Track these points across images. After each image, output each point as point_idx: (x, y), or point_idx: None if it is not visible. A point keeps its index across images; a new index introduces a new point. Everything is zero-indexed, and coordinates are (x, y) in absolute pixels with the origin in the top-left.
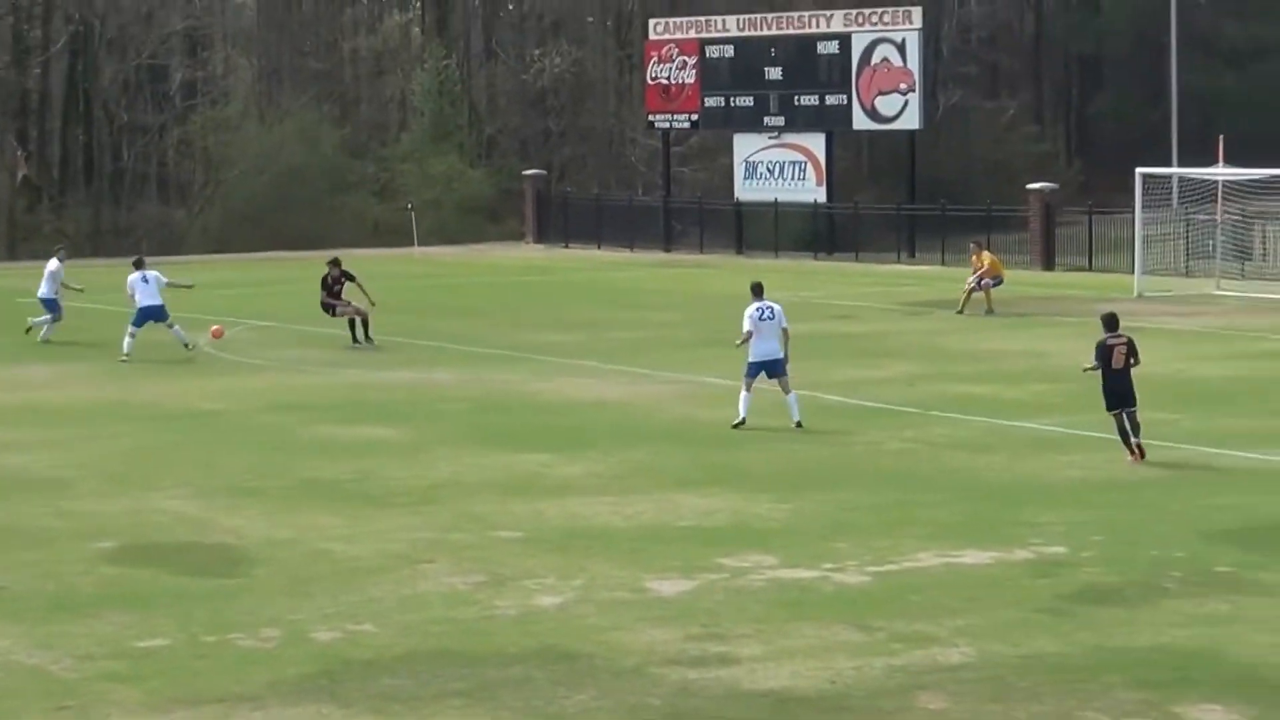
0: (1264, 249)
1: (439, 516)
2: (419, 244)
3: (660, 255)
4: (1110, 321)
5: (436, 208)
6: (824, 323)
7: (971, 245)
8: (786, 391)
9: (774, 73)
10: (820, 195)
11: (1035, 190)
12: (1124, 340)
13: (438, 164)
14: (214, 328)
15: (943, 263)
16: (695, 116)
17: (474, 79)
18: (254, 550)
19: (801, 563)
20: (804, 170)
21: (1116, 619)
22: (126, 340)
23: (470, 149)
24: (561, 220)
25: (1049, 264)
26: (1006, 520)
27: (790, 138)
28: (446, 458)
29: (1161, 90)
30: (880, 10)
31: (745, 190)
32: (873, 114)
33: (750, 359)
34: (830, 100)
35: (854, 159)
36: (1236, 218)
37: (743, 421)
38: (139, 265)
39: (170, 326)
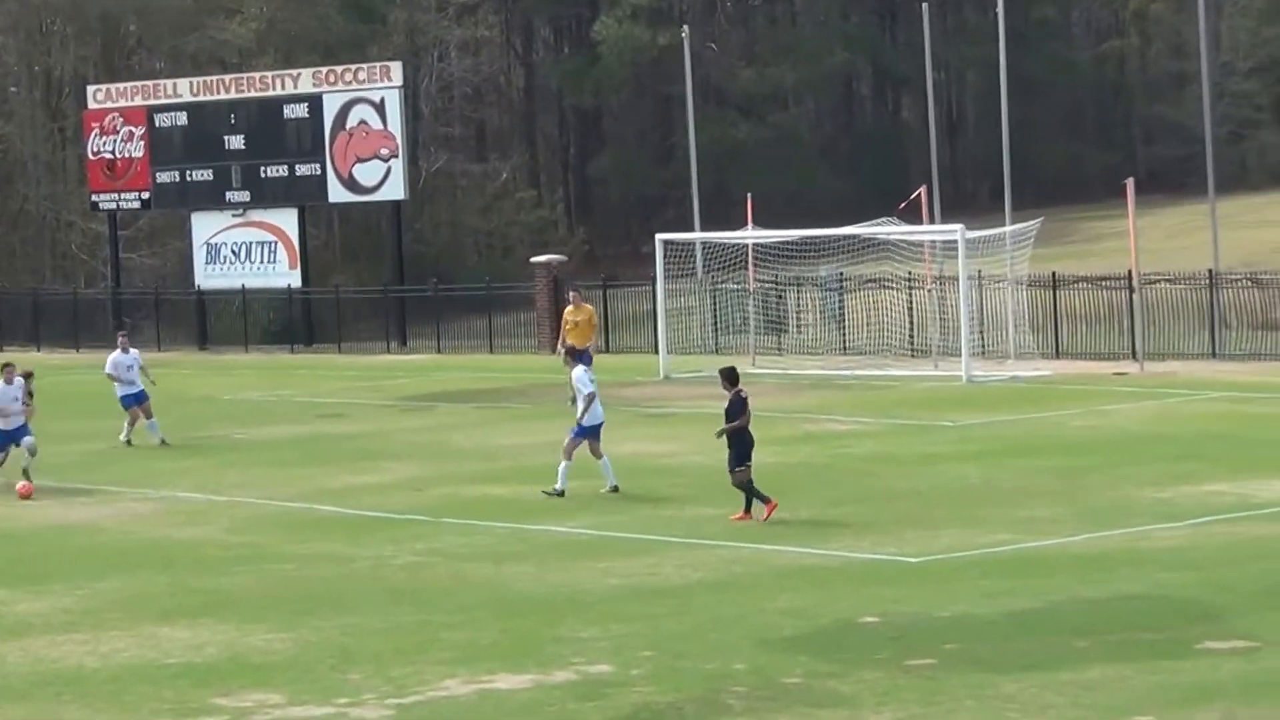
0: (799, 320)
1: None
2: None
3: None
4: (735, 375)
5: None
6: (311, 424)
7: (571, 294)
8: (599, 456)
9: (235, 141)
10: (295, 279)
11: (541, 263)
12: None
13: None
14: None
15: (439, 350)
16: (146, 194)
17: None
18: None
19: (311, 699)
20: (275, 251)
21: None
22: None
23: None
24: None
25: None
26: (542, 638)
27: (257, 215)
28: None
29: (671, 146)
30: (354, 67)
31: (208, 277)
32: (350, 184)
33: (588, 422)
34: (301, 170)
35: (327, 236)
36: (769, 285)
37: (563, 492)
38: None
39: None
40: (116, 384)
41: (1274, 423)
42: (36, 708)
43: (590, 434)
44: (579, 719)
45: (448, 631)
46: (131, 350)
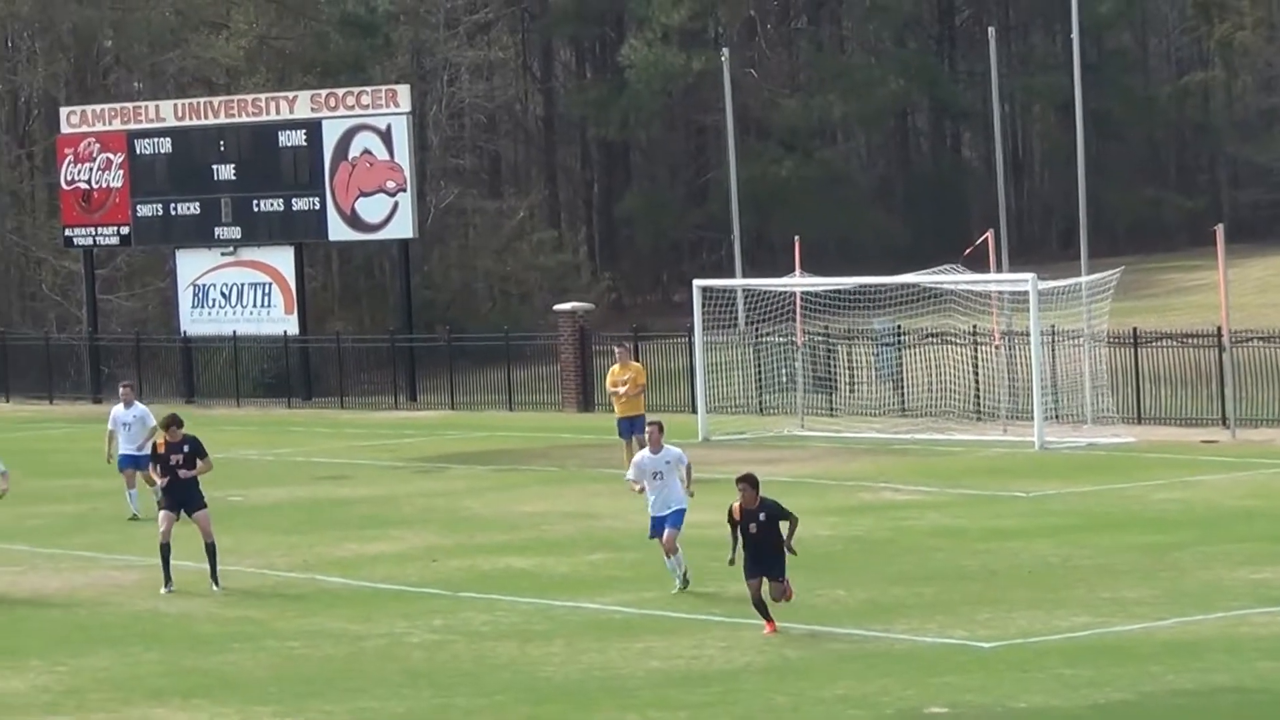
0: (851, 378)
1: None
2: None
3: (89, 406)
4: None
5: None
6: (312, 487)
7: (617, 349)
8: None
9: (225, 171)
10: (291, 326)
11: (566, 312)
12: None
13: None
14: None
15: (452, 406)
16: (125, 229)
17: None
18: None
19: None
20: (269, 294)
21: None
22: None
23: None
24: None
25: (587, 404)
26: None
27: (249, 253)
28: None
29: (706, 184)
30: (357, 91)
31: (194, 322)
32: (353, 220)
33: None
34: (299, 205)
35: (325, 278)
36: (818, 339)
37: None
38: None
39: None
40: (118, 442)
41: None
42: None
43: (655, 526)
44: None
45: (470, 718)
46: (137, 404)
